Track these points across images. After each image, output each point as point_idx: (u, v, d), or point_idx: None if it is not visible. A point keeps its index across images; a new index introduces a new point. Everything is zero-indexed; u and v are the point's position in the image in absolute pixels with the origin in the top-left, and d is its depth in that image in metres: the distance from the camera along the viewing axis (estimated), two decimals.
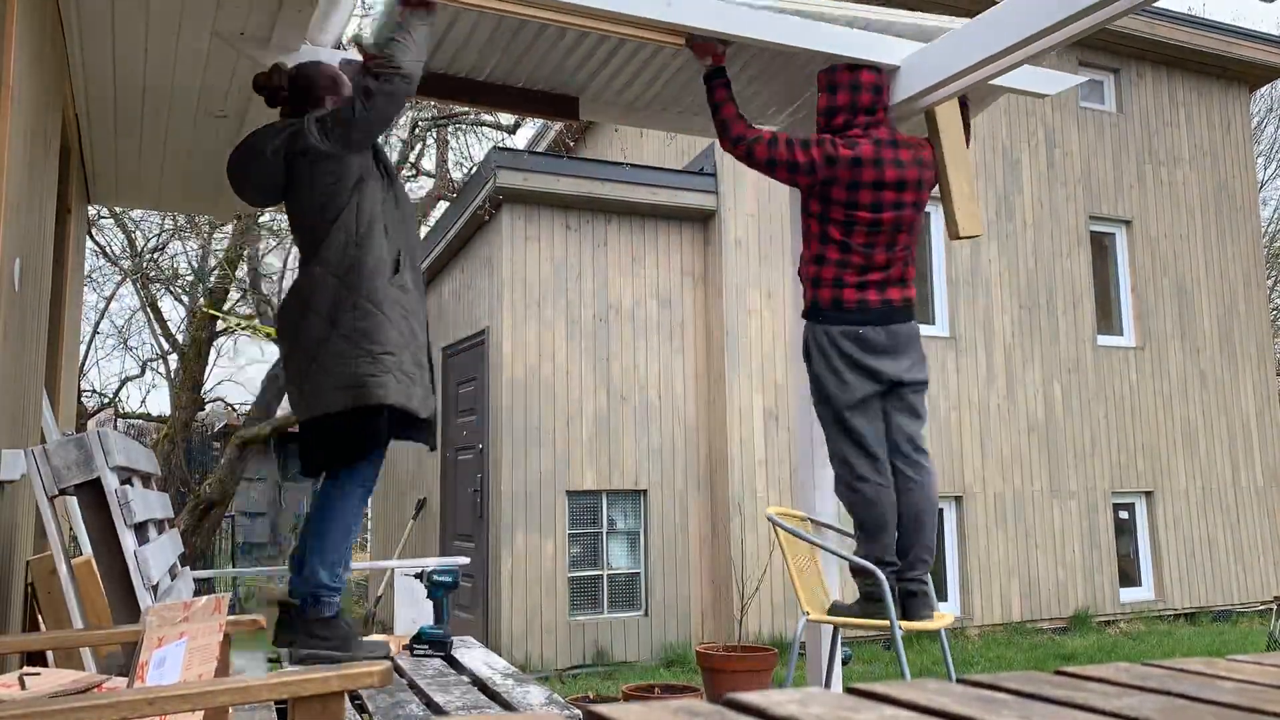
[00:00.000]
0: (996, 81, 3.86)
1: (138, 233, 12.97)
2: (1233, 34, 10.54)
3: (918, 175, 3.66)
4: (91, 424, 15.10)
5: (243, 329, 13.60)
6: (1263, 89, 14.10)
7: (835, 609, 3.78)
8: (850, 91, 3.68)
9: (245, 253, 12.23)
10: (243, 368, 34.02)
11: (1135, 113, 10.30)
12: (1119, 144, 10.14)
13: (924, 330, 9.00)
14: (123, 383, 16.82)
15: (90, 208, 7.92)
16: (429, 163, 12.64)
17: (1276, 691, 0.94)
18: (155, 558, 2.69)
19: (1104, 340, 9.80)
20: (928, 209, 8.99)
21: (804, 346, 3.80)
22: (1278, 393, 10.71)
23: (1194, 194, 10.45)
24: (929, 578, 3.72)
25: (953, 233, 3.91)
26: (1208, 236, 10.45)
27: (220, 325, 13.48)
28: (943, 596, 8.71)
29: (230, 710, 2.21)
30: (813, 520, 4.11)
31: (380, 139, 3.37)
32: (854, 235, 3.62)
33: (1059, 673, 1.02)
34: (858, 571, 3.64)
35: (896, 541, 3.68)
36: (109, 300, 15.33)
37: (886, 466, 3.73)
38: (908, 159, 3.64)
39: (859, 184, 3.58)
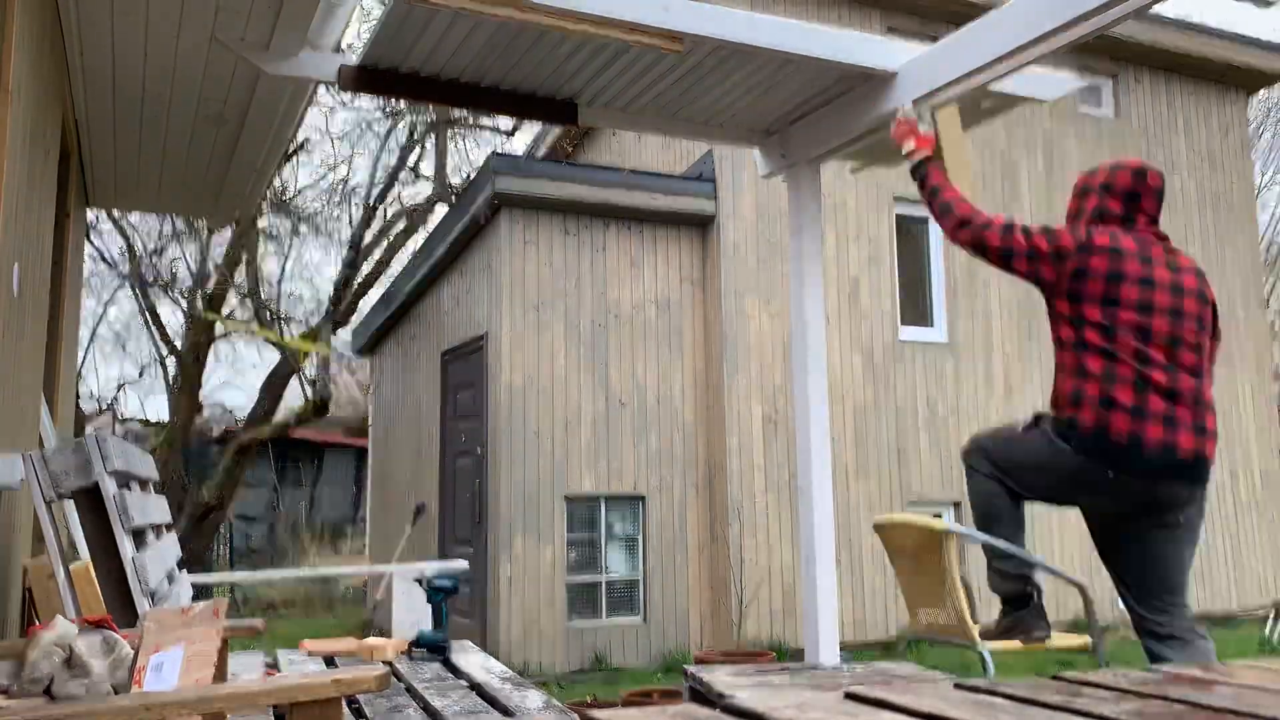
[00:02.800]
0: (995, 87, 3.87)
1: (136, 237, 12.98)
2: (1230, 40, 10.56)
3: (1197, 286, 3.10)
4: (90, 429, 15.09)
5: (241, 333, 13.60)
6: (1260, 94, 14.13)
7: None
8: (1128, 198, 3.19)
9: (243, 256, 12.23)
10: (241, 372, 34.02)
11: (1133, 118, 10.31)
12: (1117, 150, 10.15)
13: (922, 336, 9.01)
14: (121, 387, 16.83)
15: (89, 211, 7.93)
16: (428, 167, 12.66)
17: (1272, 696, 0.94)
18: (153, 563, 2.68)
19: None
20: (926, 213, 9.00)
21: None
22: (1275, 399, 10.71)
23: (1192, 200, 10.46)
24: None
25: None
26: (1206, 242, 10.45)
27: (219, 330, 13.48)
28: None
29: (228, 715, 2.20)
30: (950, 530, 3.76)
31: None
32: (1118, 340, 3.00)
33: (1057, 678, 1.02)
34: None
35: None
36: (107, 304, 15.34)
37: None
38: (1186, 265, 3.12)
39: (1121, 275, 3.01)
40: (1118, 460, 2.99)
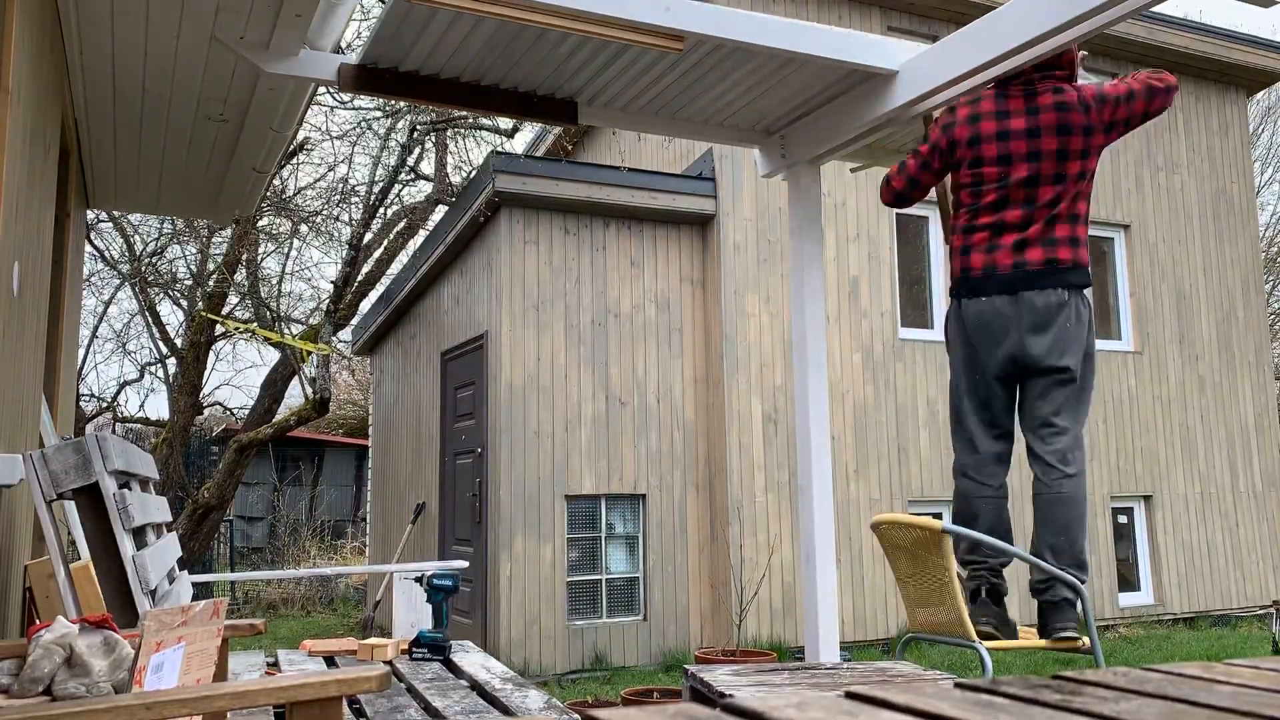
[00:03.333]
0: None
1: (136, 237, 12.97)
2: (1230, 39, 10.56)
3: (1056, 119, 3.42)
4: (90, 428, 15.10)
5: (241, 333, 13.60)
6: (1260, 94, 14.12)
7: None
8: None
9: (244, 257, 12.23)
10: (241, 372, 34.03)
11: None
12: (1116, 149, 10.15)
13: (923, 336, 9.01)
14: (121, 387, 16.82)
15: (89, 212, 7.92)
16: (428, 167, 12.65)
17: (1274, 696, 0.94)
18: (153, 562, 2.68)
19: (1103, 345, 9.80)
20: (924, 213, 9.01)
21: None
22: (1276, 397, 10.71)
23: (1192, 199, 10.46)
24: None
25: (946, 237, 3.92)
26: (1206, 241, 10.46)
27: (219, 329, 13.47)
28: None
29: (228, 715, 2.21)
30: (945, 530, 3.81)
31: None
32: (984, 197, 3.44)
33: (1057, 677, 1.02)
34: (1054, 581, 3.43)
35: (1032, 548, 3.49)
36: (107, 304, 15.33)
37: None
38: (1046, 103, 3.44)
39: (979, 138, 3.45)
40: (973, 290, 3.42)
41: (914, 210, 8.92)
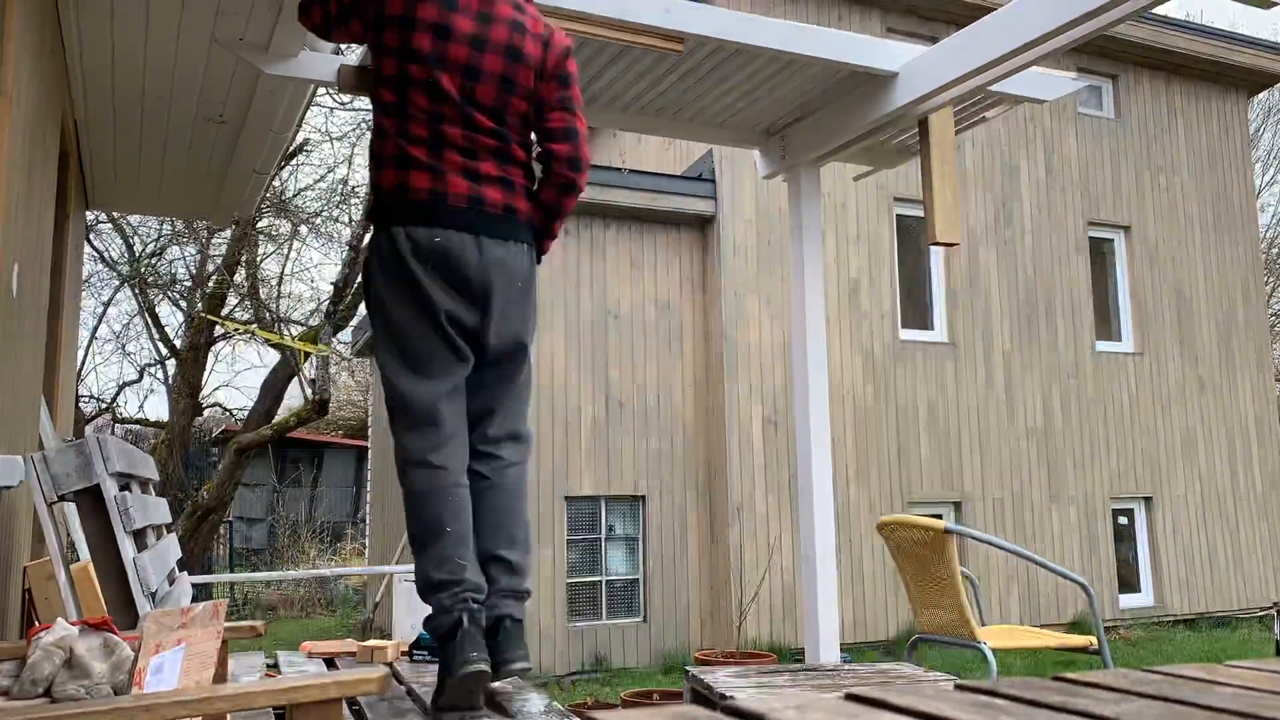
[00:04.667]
0: (995, 87, 3.87)
1: (136, 238, 12.97)
2: (1231, 40, 10.57)
3: (507, 40, 2.64)
4: (89, 430, 15.09)
5: (241, 334, 13.60)
6: (1260, 95, 14.13)
7: None
8: None
9: (244, 258, 12.24)
10: (241, 373, 34.05)
11: (1134, 119, 10.31)
12: (1117, 150, 10.15)
13: (923, 337, 9.01)
14: (121, 388, 16.81)
15: (89, 213, 7.93)
16: None
17: (1275, 697, 0.94)
18: (154, 564, 2.68)
19: (1103, 346, 9.80)
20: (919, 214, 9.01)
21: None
22: (1276, 399, 10.72)
23: (1192, 200, 10.46)
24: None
25: (930, 237, 3.92)
26: (1206, 243, 10.46)
27: (218, 331, 13.48)
28: None
29: (228, 716, 2.20)
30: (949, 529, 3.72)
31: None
32: (410, 97, 2.59)
33: (1057, 679, 1.02)
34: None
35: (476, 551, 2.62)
36: (107, 305, 15.32)
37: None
38: (503, 15, 2.65)
39: (412, 23, 2.58)
40: (422, 218, 2.54)
41: (916, 211, 8.92)
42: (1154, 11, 9.00)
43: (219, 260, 12.92)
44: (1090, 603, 3.52)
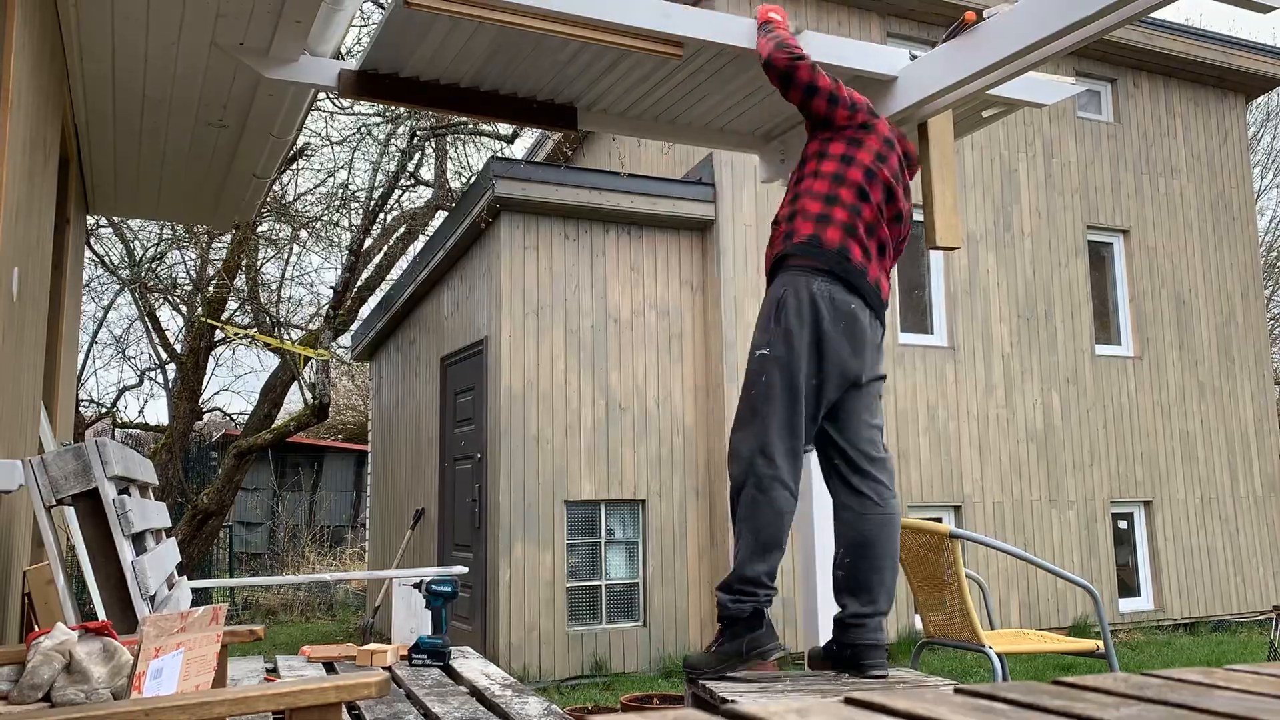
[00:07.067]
0: (994, 92, 3.87)
1: (136, 242, 12.97)
2: (1230, 44, 10.58)
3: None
4: (89, 434, 15.09)
5: (241, 339, 13.59)
6: (1259, 99, 14.15)
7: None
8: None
9: (244, 262, 12.23)
10: (241, 377, 34.05)
11: (1132, 123, 10.32)
12: (1116, 154, 10.16)
13: (922, 340, 9.02)
14: (120, 392, 16.80)
15: (89, 217, 7.93)
16: (427, 172, 12.65)
17: (1274, 701, 0.94)
18: (153, 568, 2.68)
19: (1102, 350, 9.81)
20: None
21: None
22: (1276, 402, 10.72)
23: (1191, 204, 10.47)
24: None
25: (930, 241, 3.93)
26: (1205, 246, 10.47)
27: (218, 335, 13.47)
28: None
29: None
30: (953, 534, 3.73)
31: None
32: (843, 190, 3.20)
33: (1057, 683, 1.02)
34: None
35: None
36: (107, 310, 15.31)
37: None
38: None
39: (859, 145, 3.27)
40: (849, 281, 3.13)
41: (916, 215, 8.92)
42: (1153, 15, 9.01)
43: (219, 264, 12.92)
44: (1097, 607, 3.51)
